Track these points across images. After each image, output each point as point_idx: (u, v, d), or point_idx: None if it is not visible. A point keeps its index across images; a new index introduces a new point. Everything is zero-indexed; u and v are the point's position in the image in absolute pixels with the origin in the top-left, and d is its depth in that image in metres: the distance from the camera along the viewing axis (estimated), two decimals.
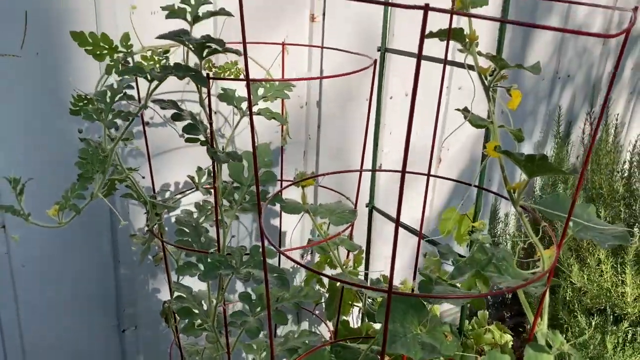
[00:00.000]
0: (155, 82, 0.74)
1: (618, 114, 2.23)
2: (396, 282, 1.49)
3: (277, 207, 1.51)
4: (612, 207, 1.97)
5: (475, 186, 0.99)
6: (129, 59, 1.02)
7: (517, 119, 2.02)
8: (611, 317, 1.75)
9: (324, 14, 1.44)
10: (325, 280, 1.49)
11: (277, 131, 1.38)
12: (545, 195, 2.03)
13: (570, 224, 0.84)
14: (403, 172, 0.60)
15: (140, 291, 1.43)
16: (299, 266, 1.69)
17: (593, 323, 1.75)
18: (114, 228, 1.31)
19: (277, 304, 0.94)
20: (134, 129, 1.19)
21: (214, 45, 0.73)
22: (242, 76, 1.17)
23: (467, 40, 0.88)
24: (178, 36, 0.72)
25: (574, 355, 0.77)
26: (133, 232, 1.26)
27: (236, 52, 0.74)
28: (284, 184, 1.34)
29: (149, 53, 1.08)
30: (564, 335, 1.84)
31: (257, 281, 0.80)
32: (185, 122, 0.80)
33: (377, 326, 1.28)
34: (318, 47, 1.38)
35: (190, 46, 0.74)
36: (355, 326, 1.71)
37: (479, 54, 0.85)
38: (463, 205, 2.00)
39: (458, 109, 0.93)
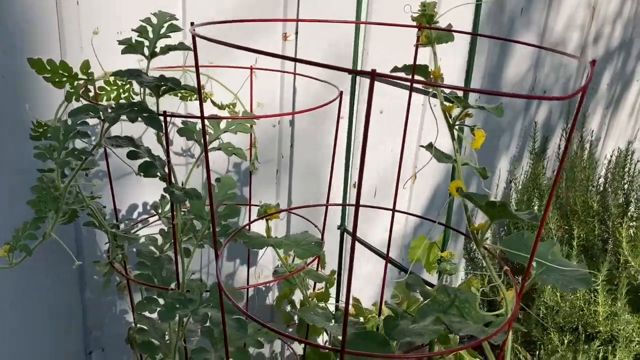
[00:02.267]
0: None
1: (593, 130, 2.24)
2: (368, 304, 1.48)
3: None
4: (587, 223, 1.97)
5: (440, 223, 0.98)
6: (90, 87, 0.99)
7: (493, 133, 2.02)
8: (583, 335, 1.75)
9: (296, 33, 1.42)
10: (297, 302, 1.47)
11: (248, 149, 1.36)
12: (513, 230, 2.03)
13: (534, 264, 0.84)
14: (357, 205, 0.59)
15: (107, 314, 1.40)
16: (273, 284, 1.67)
17: (565, 341, 1.76)
18: (80, 251, 1.28)
19: (239, 342, 0.92)
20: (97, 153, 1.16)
21: (169, 84, 0.71)
22: (209, 100, 1.15)
23: (431, 76, 0.87)
24: (132, 75, 0.70)
25: None
26: (97, 259, 1.23)
27: (192, 89, 0.72)
28: (252, 215, 1.32)
29: (112, 79, 1.06)
30: (537, 353, 1.84)
31: (215, 325, 0.78)
32: (142, 160, 0.78)
33: None
34: (287, 72, 1.36)
35: (144, 86, 0.72)
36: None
37: (443, 93, 0.84)
38: (438, 228, 1.99)
39: (422, 145, 0.92)
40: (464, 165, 0.87)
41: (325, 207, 1.08)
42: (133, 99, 1.07)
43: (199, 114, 0.62)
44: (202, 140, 0.60)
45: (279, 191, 1.56)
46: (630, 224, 1.75)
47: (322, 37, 1.46)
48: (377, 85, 1.59)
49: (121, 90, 1.07)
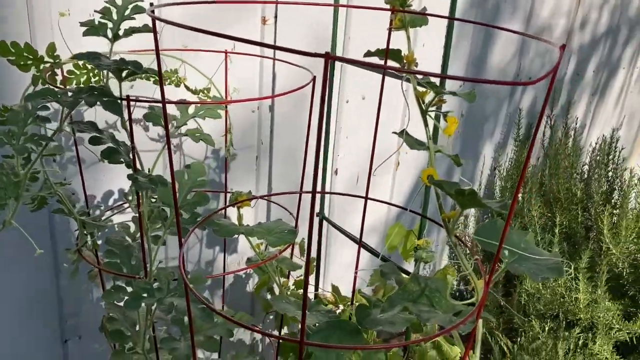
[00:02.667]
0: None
1: (578, 117, 2.23)
2: (347, 291, 1.47)
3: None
4: (570, 210, 1.97)
5: (412, 212, 0.97)
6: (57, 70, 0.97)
7: (477, 120, 2.01)
8: (564, 322, 1.76)
9: (275, 16, 1.39)
10: (276, 289, 1.46)
11: (223, 135, 1.33)
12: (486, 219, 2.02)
13: (506, 252, 0.83)
14: (314, 193, 0.57)
15: (83, 301, 1.38)
16: (251, 271, 1.66)
17: (546, 328, 1.76)
18: (54, 238, 1.26)
19: (209, 331, 0.91)
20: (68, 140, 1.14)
21: (130, 67, 0.69)
22: (182, 85, 1.13)
23: (404, 61, 0.85)
24: (91, 59, 0.68)
25: None
26: (69, 247, 1.21)
27: (155, 72, 0.70)
28: (221, 204, 1.30)
29: (82, 62, 1.03)
30: (518, 340, 1.85)
31: (181, 314, 0.77)
32: (105, 146, 0.76)
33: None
34: (264, 57, 1.33)
35: (102, 69, 0.69)
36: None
37: (416, 77, 0.82)
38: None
39: (395, 132, 0.90)
40: (437, 152, 0.85)
41: (306, 194, 1.06)
42: (104, 83, 1.04)
43: (172, 99, 0.60)
44: (165, 128, 0.59)
45: (259, 178, 1.55)
46: (613, 211, 1.75)
47: (302, 21, 1.44)
48: (359, 70, 1.58)
49: (91, 75, 1.04)
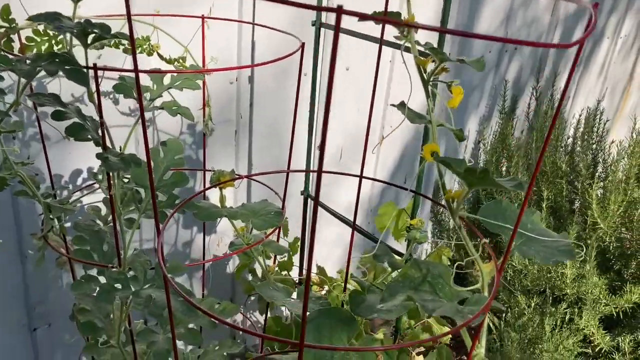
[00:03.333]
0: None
1: (562, 88, 2.18)
2: (333, 271, 1.41)
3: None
4: (555, 184, 1.93)
5: (412, 191, 0.90)
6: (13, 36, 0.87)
7: (464, 93, 1.94)
8: (550, 298, 1.73)
9: None
10: (258, 271, 1.39)
11: (200, 109, 1.24)
12: (483, 195, 1.97)
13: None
14: (319, 171, 0.50)
15: (52, 287, 1.30)
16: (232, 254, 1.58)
17: (532, 304, 1.73)
18: (18, 222, 1.17)
19: (190, 322, 0.84)
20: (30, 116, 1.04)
21: (96, 30, 0.60)
22: (155, 54, 1.04)
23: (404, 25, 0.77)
24: (51, 20, 0.59)
25: None
26: (36, 231, 1.12)
27: (125, 37, 0.61)
28: (200, 185, 1.22)
29: (41, 27, 0.93)
30: (504, 316, 1.82)
31: (159, 308, 0.69)
32: (70, 121, 0.67)
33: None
34: (244, 22, 1.24)
35: (64, 32, 0.60)
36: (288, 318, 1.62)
37: (417, 44, 0.75)
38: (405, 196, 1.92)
39: (393, 104, 0.83)
40: (438, 126, 0.78)
41: (286, 173, 0.99)
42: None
43: (144, 68, 0.52)
44: (139, 99, 0.50)
45: (238, 154, 1.46)
46: (599, 184, 1.71)
47: None
48: (343, 39, 1.49)
49: (54, 42, 0.94)
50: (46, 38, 0.94)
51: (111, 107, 1.14)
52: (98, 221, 0.99)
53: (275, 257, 1.13)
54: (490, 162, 1.99)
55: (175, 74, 0.80)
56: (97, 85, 0.65)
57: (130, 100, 1.20)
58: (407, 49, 0.78)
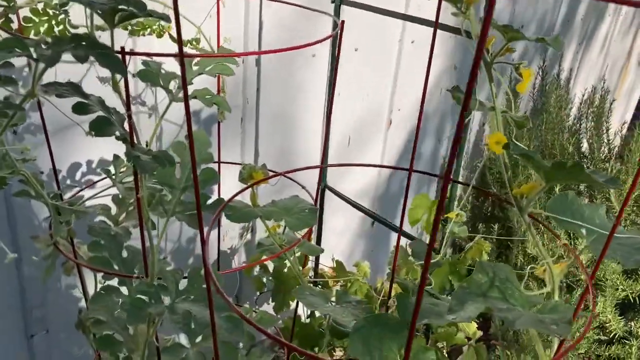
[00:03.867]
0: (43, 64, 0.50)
1: (563, 68, 2.13)
2: (349, 263, 1.34)
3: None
4: None
5: (454, 181, 0.82)
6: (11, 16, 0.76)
7: (465, 72, 1.87)
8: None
9: None
10: (270, 266, 1.31)
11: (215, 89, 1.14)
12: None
13: (583, 231, 0.70)
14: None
15: (50, 291, 1.20)
16: (237, 245, 1.50)
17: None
18: (12, 222, 1.06)
19: (224, 336, 0.75)
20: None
21: (130, 8, 0.51)
22: (167, 35, 0.93)
23: (463, 1, 0.69)
24: None
25: None
26: (33, 229, 1.02)
27: (163, 17, 0.52)
28: (228, 190, 1.13)
29: (40, 6, 0.83)
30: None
31: (200, 326, 0.61)
32: (94, 115, 0.58)
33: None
34: None
35: (95, 9, 0.51)
36: (304, 316, 1.55)
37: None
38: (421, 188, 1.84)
39: (449, 90, 0.75)
40: (503, 113, 0.71)
41: (319, 168, 0.90)
42: (69, 33, 0.84)
43: (164, 52, 0.43)
44: (182, 85, 0.41)
45: (244, 142, 1.37)
46: (615, 166, 1.67)
47: None
48: (351, 16, 1.40)
49: (54, 22, 0.84)
50: (45, 18, 0.83)
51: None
52: (108, 222, 0.89)
53: (306, 259, 1.04)
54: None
55: (203, 59, 0.71)
56: (125, 72, 0.55)
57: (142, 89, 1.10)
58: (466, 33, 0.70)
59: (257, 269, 1.35)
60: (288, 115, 1.41)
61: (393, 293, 0.97)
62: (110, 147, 0.95)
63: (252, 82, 1.32)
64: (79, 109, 0.56)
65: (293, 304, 1.29)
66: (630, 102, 2.73)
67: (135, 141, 0.63)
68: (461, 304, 0.64)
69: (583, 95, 2.16)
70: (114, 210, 0.91)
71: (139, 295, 0.64)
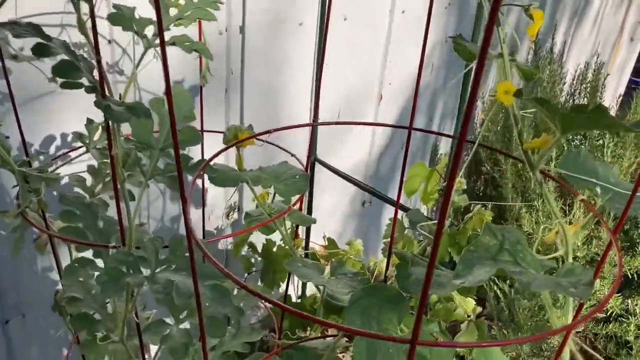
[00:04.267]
0: None
1: (556, 42, 2.07)
2: (340, 245, 1.28)
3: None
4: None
5: (470, 142, 0.77)
6: None
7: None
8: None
9: None
10: (259, 245, 1.25)
11: (195, 58, 1.07)
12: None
13: (598, 189, 0.65)
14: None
15: (25, 273, 1.13)
16: (225, 226, 1.43)
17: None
18: None
19: (210, 310, 0.69)
20: None
21: None
22: None
23: None
24: None
25: None
26: (6, 206, 0.95)
27: None
28: (209, 146, 1.06)
29: None
30: (506, 283, 1.73)
31: (183, 295, 0.55)
32: (58, 59, 0.51)
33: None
34: None
35: None
36: (295, 295, 1.49)
37: None
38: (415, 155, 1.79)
39: (451, 37, 0.69)
40: (512, 61, 0.65)
41: (310, 126, 0.84)
42: None
43: None
44: (158, 28, 0.35)
45: (228, 114, 1.30)
46: (611, 139, 1.62)
47: None
48: None
49: None
50: None
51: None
52: (84, 193, 0.83)
53: (297, 229, 0.98)
54: (491, 120, 1.89)
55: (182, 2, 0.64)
56: (92, 10, 0.49)
57: (120, 39, 1.02)
58: None
59: (245, 249, 1.29)
60: (274, 86, 1.35)
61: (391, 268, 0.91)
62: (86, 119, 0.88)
63: (237, 52, 1.25)
64: (39, 50, 0.49)
65: (283, 286, 1.24)
66: (622, 78, 2.69)
67: (108, 93, 0.56)
68: (469, 268, 0.58)
69: (576, 72, 2.11)
70: (89, 181, 0.85)
71: (115, 265, 0.58)
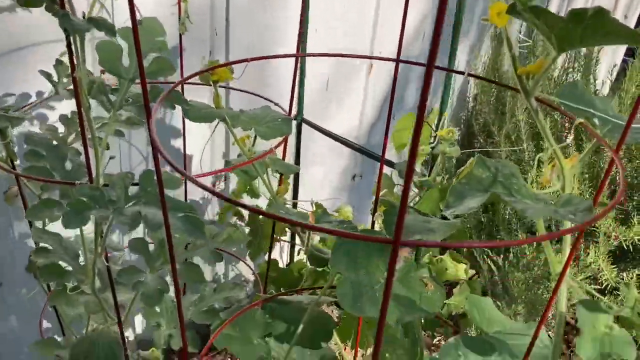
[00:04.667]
0: None
1: None
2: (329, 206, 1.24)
3: (179, 120, 1.19)
4: (552, 115, 1.81)
5: (469, 75, 0.73)
6: None
7: (450, 15, 1.77)
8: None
9: None
10: (245, 212, 1.21)
11: (172, 13, 1.03)
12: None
13: (596, 120, 0.61)
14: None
15: (1, 240, 1.09)
16: (210, 196, 1.39)
17: (534, 243, 1.61)
18: None
19: (188, 254, 0.65)
20: None
21: None
22: None
23: None
24: None
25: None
26: None
27: None
28: (185, 75, 1.02)
29: None
30: (503, 256, 1.70)
31: (153, 226, 0.51)
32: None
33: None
34: None
35: None
36: (283, 263, 1.46)
37: None
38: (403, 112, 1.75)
39: None
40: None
41: (295, 57, 0.80)
42: None
43: None
44: None
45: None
46: None
47: None
48: None
49: None
50: None
51: None
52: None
53: (281, 178, 0.94)
54: (484, 92, 1.85)
55: None
56: None
57: None
58: None
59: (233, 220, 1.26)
60: (260, 48, 1.30)
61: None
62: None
63: (221, 11, 1.21)
64: None
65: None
66: (615, 57, 2.66)
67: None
68: (459, 199, 0.55)
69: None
70: (61, 130, 0.81)
71: (79, 198, 0.54)
